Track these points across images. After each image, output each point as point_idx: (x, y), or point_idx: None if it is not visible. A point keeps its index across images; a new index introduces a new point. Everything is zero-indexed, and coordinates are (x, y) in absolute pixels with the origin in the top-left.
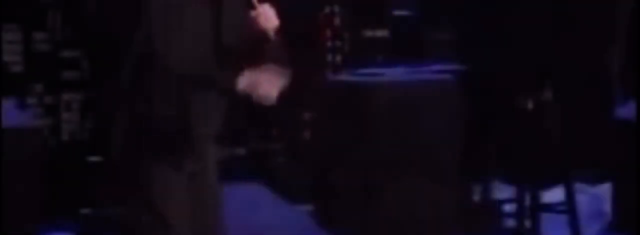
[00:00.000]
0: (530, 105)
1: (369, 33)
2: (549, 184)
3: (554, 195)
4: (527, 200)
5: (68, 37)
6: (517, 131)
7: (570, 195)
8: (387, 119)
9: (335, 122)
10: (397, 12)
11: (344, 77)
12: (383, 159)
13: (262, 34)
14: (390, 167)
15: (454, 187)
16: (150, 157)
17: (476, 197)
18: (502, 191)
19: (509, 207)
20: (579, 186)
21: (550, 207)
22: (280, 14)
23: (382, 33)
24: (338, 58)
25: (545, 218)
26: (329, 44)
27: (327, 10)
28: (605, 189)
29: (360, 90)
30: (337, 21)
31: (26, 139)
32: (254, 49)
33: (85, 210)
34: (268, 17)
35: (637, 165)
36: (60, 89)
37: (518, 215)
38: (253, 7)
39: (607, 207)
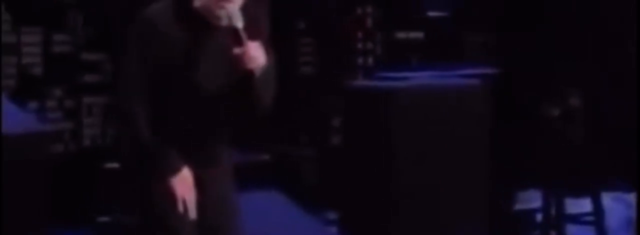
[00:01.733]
0: (556, 112)
1: (402, 35)
2: (578, 193)
3: (586, 203)
4: (554, 210)
5: (89, 38)
6: (543, 138)
7: (597, 205)
8: (412, 125)
9: (359, 129)
10: (431, 13)
11: (368, 82)
12: (408, 165)
13: (246, 73)
14: (415, 174)
15: (482, 195)
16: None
17: (505, 206)
18: (531, 200)
19: (537, 216)
20: (614, 194)
21: (576, 218)
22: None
23: (416, 35)
24: (369, 61)
25: (574, 227)
26: (360, 46)
27: (358, 11)
28: None
29: (383, 95)
30: (368, 22)
31: (34, 144)
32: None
33: (102, 218)
34: (253, 58)
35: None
36: (81, 92)
37: (544, 224)
38: (240, 44)
39: None
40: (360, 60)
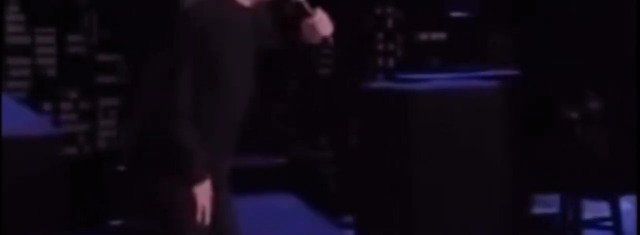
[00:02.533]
0: (575, 115)
1: (424, 36)
2: (596, 196)
3: (604, 208)
4: (571, 214)
5: (105, 39)
6: (561, 142)
7: (615, 210)
8: (429, 127)
9: (377, 132)
10: (454, 14)
11: (385, 83)
12: (427, 169)
13: (322, 41)
14: (433, 177)
15: (501, 199)
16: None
17: (524, 210)
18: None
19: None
20: (632, 197)
21: (594, 223)
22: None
23: (438, 36)
24: (390, 62)
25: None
26: (380, 47)
27: (378, 11)
28: None
29: (400, 97)
30: (389, 23)
31: (45, 147)
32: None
33: (115, 222)
34: (326, 23)
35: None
36: (96, 94)
37: (562, 229)
38: (307, 15)
39: None
40: (380, 62)
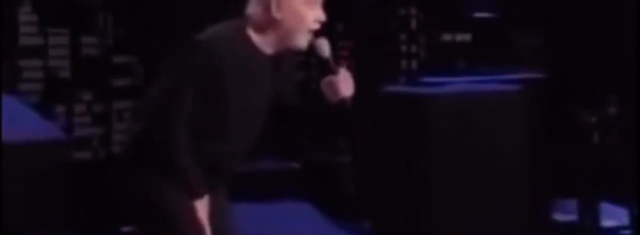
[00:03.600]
0: (593, 119)
1: (447, 37)
2: (613, 202)
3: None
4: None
5: (119, 40)
6: (578, 146)
7: (634, 217)
8: (447, 133)
9: (393, 137)
10: (479, 14)
11: (402, 88)
12: (445, 174)
13: (339, 101)
14: (452, 183)
15: (521, 205)
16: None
17: (544, 215)
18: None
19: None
20: None
21: (614, 231)
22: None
23: (462, 37)
24: (413, 64)
25: None
26: (402, 49)
27: (401, 12)
28: None
29: (418, 102)
30: (412, 24)
31: (51, 152)
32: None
33: (126, 228)
34: (348, 84)
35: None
36: (110, 96)
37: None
38: (332, 72)
39: None
40: (403, 64)
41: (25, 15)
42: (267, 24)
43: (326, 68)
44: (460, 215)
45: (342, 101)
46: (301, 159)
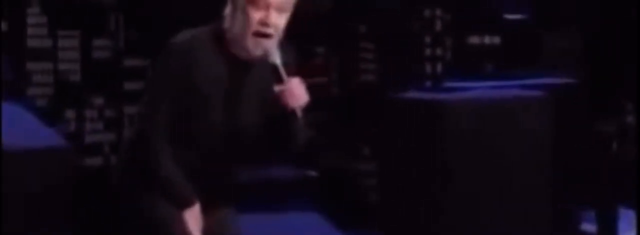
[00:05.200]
0: (611, 128)
1: (475, 39)
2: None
3: None
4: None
5: (131, 43)
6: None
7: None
8: (464, 141)
9: (408, 145)
10: (509, 16)
11: (418, 93)
12: (462, 184)
13: (288, 112)
14: (469, 193)
15: (542, 215)
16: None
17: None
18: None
19: None
20: None
21: None
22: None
23: (491, 39)
24: (438, 68)
25: None
26: (427, 52)
27: (426, 13)
28: None
29: (433, 109)
30: (437, 26)
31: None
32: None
33: None
34: (296, 95)
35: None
36: (122, 101)
37: None
38: (280, 81)
39: None
40: (427, 68)
41: (34, 17)
42: (228, 26)
43: (275, 76)
44: (481, 225)
45: (292, 112)
46: (319, 167)
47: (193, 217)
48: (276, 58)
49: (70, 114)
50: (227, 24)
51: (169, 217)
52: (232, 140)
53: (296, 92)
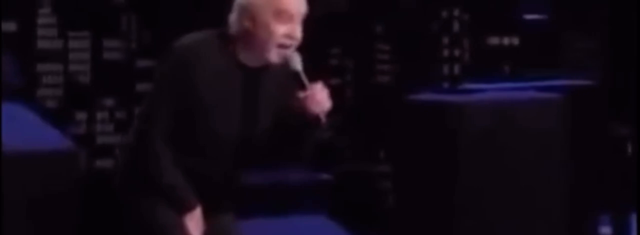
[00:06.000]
0: (625, 131)
1: (494, 40)
2: None
3: None
4: None
5: (143, 44)
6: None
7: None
8: (477, 144)
9: (421, 149)
10: (529, 16)
11: (433, 95)
12: (475, 189)
13: (310, 118)
14: (482, 200)
15: (558, 218)
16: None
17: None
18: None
19: None
20: None
21: None
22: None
23: (510, 40)
24: (456, 69)
25: None
26: (445, 53)
27: (444, 14)
28: None
29: (448, 111)
30: (455, 26)
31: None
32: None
33: None
34: (319, 101)
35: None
36: (134, 103)
37: None
38: (303, 88)
39: None
40: (445, 69)
41: (45, 17)
42: (241, 34)
43: (297, 83)
44: (496, 228)
45: (316, 118)
46: (335, 170)
47: (194, 222)
48: (297, 65)
49: (80, 115)
50: (237, 30)
51: (169, 221)
52: (236, 146)
53: (319, 97)
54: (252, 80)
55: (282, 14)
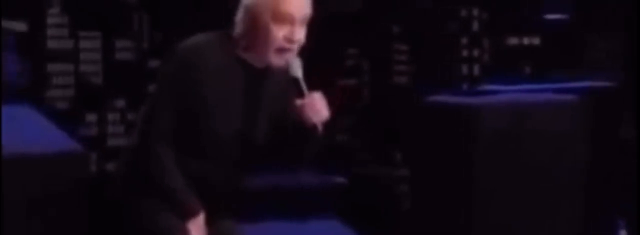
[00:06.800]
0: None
1: (514, 40)
2: None
3: None
4: None
5: (155, 44)
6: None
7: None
8: (499, 146)
9: (438, 152)
10: (550, 16)
11: (450, 97)
12: (492, 194)
13: (308, 127)
14: (500, 204)
15: (575, 221)
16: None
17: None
18: None
19: None
20: None
21: None
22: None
23: (530, 40)
24: (475, 70)
25: None
26: (464, 53)
27: (463, 13)
28: None
29: (464, 113)
30: (475, 26)
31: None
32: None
33: None
34: (317, 109)
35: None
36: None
37: None
38: (301, 95)
39: None
40: (464, 70)
41: (55, 17)
42: (243, 35)
43: (297, 89)
44: (514, 231)
45: (313, 126)
46: (349, 173)
47: (197, 227)
48: (297, 71)
49: (91, 117)
50: (240, 31)
51: (171, 226)
52: (239, 148)
53: (318, 106)
54: (255, 81)
55: (282, 17)
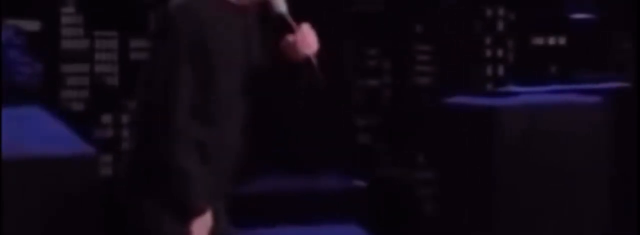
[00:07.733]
0: None
1: (539, 40)
2: None
3: None
4: None
5: None
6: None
7: None
8: (515, 148)
9: (457, 154)
10: (575, 16)
11: (473, 99)
12: (512, 194)
13: (301, 60)
14: (520, 205)
15: (598, 220)
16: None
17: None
18: None
19: None
20: None
21: None
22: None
23: (556, 40)
24: (500, 70)
25: None
26: (488, 53)
27: (487, 12)
28: None
29: (485, 115)
30: (499, 26)
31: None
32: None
33: None
34: (309, 42)
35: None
36: None
37: None
38: (291, 30)
39: None
40: (488, 70)
41: (69, 17)
42: None
43: (283, 26)
44: (537, 231)
45: (307, 60)
46: (370, 177)
47: (203, 230)
48: (281, 7)
49: (106, 118)
50: None
51: (175, 230)
52: (244, 107)
53: (309, 39)
54: (250, 24)
55: None
